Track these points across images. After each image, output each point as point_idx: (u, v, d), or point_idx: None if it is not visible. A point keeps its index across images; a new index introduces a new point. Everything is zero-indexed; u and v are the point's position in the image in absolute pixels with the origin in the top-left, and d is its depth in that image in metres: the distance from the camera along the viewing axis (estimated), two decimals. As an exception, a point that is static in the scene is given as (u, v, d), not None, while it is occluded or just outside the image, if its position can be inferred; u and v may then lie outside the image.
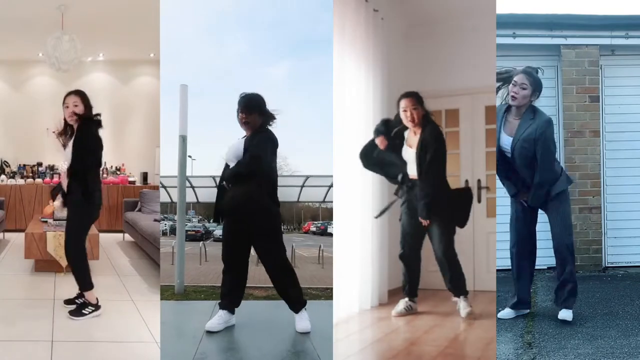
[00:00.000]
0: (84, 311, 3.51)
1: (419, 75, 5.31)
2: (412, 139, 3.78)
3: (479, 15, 4.83)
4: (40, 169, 8.90)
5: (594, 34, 5.38)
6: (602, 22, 5.38)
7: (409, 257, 3.86)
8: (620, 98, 5.52)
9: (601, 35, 5.39)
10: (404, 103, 3.73)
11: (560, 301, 3.65)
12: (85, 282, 3.58)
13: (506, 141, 3.60)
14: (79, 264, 3.56)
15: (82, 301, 3.58)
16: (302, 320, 3.23)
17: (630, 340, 3.19)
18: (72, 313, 3.50)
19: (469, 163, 5.20)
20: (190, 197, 16.69)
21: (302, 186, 16.18)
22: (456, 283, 3.76)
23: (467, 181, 5.18)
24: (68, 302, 3.70)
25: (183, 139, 5.81)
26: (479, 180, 5.12)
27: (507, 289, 4.14)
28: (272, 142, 3.28)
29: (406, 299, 3.88)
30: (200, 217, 30.37)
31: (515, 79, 3.49)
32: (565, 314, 3.59)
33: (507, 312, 3.76)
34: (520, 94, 3.48)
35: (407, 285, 3.91)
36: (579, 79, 5.35)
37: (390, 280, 4.49)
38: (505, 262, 5.18)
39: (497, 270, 4.78)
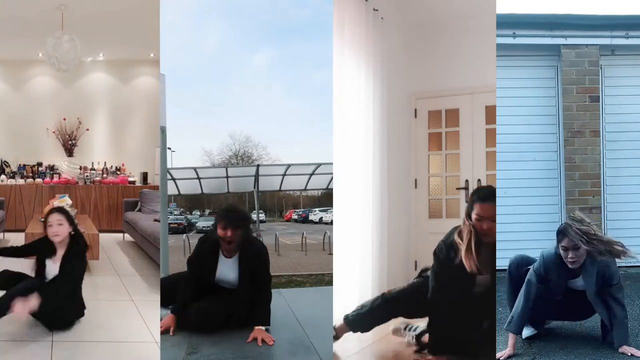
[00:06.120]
0: None
1: (419, 75, 5.32)
2: None
3: (479, 15, 4.83)
4: (40, 169, 8.89)
5: (594, 34, 5.38)
6: (602, 22, 5.38)
7: None
8: (620, 98, 5.51)
9: (601, 35, 5.39)
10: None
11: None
12: None
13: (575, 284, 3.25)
14: None
15: None
16: None
17: (630, 341, 3.19)
18: None
19: (469, 163, 5.20)
20: (171, 190, 16.66)
21: (284, 175, 16.31)
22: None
23: (467, 181, 5.18)
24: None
25: (162, 130, 5.75)
26: (479, 180, 5.13)
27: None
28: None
29: None
30: (182, 209, 30.45)
31: (563, 244, 3.08)
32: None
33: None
34: (578, 255, 3.07)
35: None
36: (579, 79, 5.35)
37: (390, 280, 4.49)
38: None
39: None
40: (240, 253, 3.17)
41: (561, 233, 3.09)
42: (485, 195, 2.82)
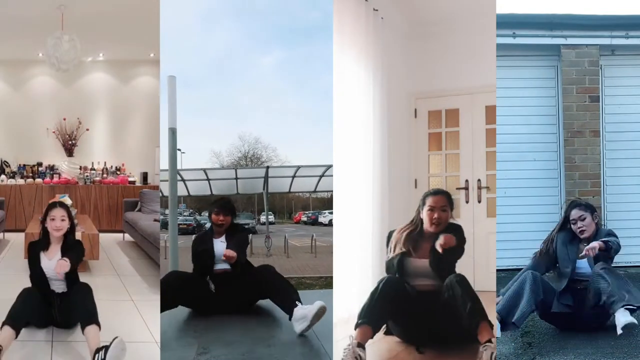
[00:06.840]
0: None
1: (419, 75, 5.32)
2: None
3: (479, 15, 4.83)
4: (40, 169, 8.90)
5: (594, 34, 5.38)
6: (602, 22, 5.38)
7: None
8: (620, 98, 5.52)
9: (601, 35, 5.39)
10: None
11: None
12: None
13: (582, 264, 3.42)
14: None
15: None
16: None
17: (631, 340, 3.19)
18: None
19: (469, 163, 5.20)
20: (181, 191, 16.70)
21: (294, 177, 16.34)
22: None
23: (467, 181, 5.18)
24: None
25: (172, 132, 5.77)
26: (479, 180, 5.13)
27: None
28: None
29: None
30: (191, 210, 30.48)
31: (571, 218, 3.49)
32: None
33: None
34: (586, 224, 3.46)
35: None
36: (579, 79, 5.35)
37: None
38: (506, 262, 5.21)
39: (497, 270, 4.78)
40: (226, 235, 3.80)
41: (569, 208, 3.51)
42: (436, 190, 3.27)
